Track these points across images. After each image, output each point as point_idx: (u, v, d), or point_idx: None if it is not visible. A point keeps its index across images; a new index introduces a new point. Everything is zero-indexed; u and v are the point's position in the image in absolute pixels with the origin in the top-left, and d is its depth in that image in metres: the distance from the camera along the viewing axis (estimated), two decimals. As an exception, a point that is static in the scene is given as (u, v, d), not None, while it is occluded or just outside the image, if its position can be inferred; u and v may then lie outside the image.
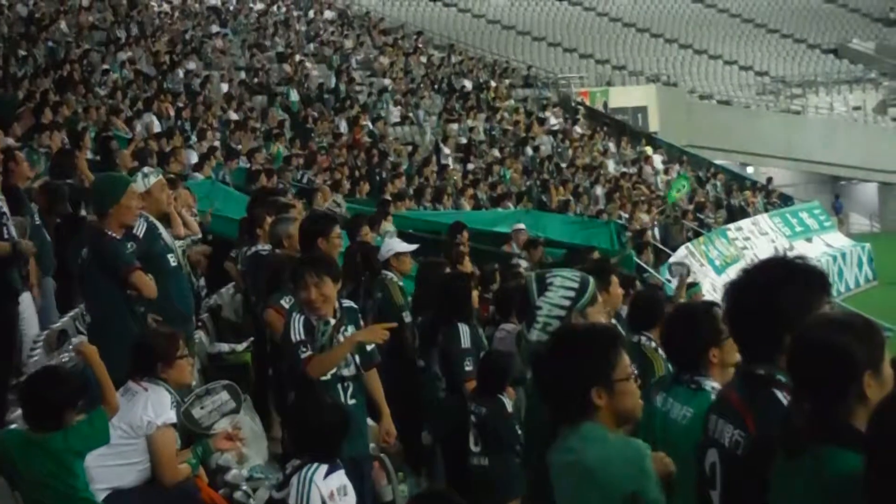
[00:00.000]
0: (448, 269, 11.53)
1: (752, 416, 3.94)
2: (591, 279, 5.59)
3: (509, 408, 8.55)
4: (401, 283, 10.76)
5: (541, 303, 5.42)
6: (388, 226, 15.07)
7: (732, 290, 4.14)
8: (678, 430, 4.98)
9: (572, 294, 5.38)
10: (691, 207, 33.65)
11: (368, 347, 8.02)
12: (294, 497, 5.85)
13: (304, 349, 7.49)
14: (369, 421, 8.16)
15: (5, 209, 9.29)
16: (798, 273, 4.06)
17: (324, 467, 5.92)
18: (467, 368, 9.16)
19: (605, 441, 4.34)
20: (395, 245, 11.36)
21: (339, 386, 7.63)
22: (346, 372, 7.73)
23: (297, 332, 7.53)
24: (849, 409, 3.52)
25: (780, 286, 3.97)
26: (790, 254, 4.58)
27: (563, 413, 4.43)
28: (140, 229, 8.74)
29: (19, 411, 7.73)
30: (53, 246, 11.08)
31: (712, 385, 5.11)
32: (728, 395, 4.19)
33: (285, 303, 8.81)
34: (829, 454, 3.46)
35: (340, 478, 6.02)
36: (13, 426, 7.11)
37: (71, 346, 6.97)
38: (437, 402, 9.60)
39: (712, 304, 5.77)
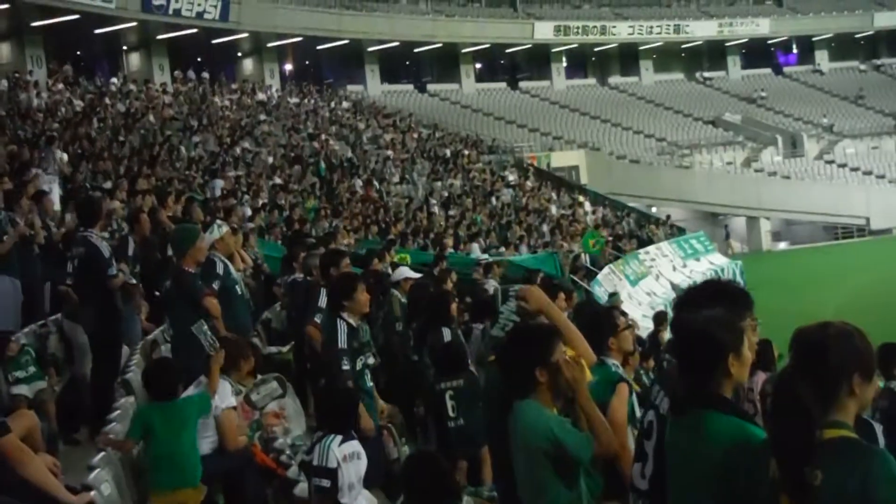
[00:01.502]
0: (433, 289, 11.52)
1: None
2: None
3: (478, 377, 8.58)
4: (402, 300, 10.77)
5: (503, 310, 5.47)
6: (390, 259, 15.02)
7: (680, 304, 4.12)
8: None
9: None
10: (611, 238, 33.71)
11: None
12: (316, 459, 5.80)
13: (346, 361, 7.32)
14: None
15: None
16: (728, 292, 4.01)
17: (339, 437, 5.84)
18: None
19: (535, 410, 4.39)
20: (405, 272, 11.37)
21: (366, 372, 7.62)
22: (370, 361, 7.73)
23: (342, 340, 7.36)
24: (718, 382, 3.54)
25: (715, 303, 3.92)
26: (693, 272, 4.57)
27: (516, 388, 4.48)
28: (220, 268, 8.80)
29: (123, 400, 7.74)
30: (146, 279, 11.09)
31: (612, 362, 5.27)
32: (672, 376, 4.17)
33: (318, 319, 8.83)
34: (705, 416, 3.47)
35: (353, 446, 5.91)
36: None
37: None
38: (427, 385, 9.59)
39: (612, 307, 5.88)
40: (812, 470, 2.97)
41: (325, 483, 5.72)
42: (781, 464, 3.06)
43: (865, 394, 3.13)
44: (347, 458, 5.81)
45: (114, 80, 39.11)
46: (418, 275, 11.59)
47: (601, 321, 5.52)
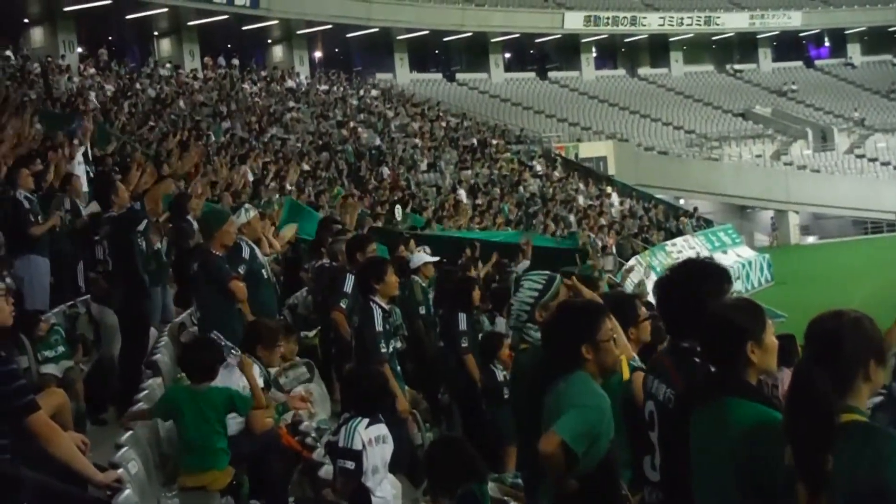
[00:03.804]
0: (461, 274, 11.54)
1: (679, 378, 3.95)
2: (558, 278, 5.53)
3: (499, 376, 8.57)
4: (423, 285, 10.82)
5: (514, 300, 5.41)
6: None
7: (661, 285, 4.16)
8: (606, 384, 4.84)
9: (536, 293, 5.33)
10: (635, 230, 33.66)
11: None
12: (342, 441, 5.78)
13: (384, 344, 7.47)
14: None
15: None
16: (708, 270, 4.10)
17: (366, 420, 5.82)
18: (463, 345, 9.19)
19: (587, 382, 4.33)
20: (423, 257, 11.39)
21: (396, 356, 7.71)
22: (398, 345, 7.76)
23: (378, 323, 7.49)
24: (741, 369, 3.54)
25: (697, 281, 4.01)
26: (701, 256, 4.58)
27: (562, 365, 4.38)
28: (247, 252, 8.82)
29: (151, 381, 7.79)
30: (176, 262, 11.13)
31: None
32: (662, 362, 4.17)
33: (343, 304, 8.88)
34: (729, 403, 3.48)
35: (380, 429, 5.89)
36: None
37: (236, 356, 6.96)
38: (451, 371, 9.63)
39: (634, 296, 5.75)
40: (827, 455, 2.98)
41: (350, 465, 5.71)
42: (797, 451, 3.06)
43: (879, 379, 3.16)
44: (373, 441, 5.79)
45: (165, 68, 39.24)
46: (436, 258, 11.61)
47: (619, 309, 5.37)
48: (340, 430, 5.87)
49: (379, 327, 7.48)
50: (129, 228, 9.10)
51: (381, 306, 7.58)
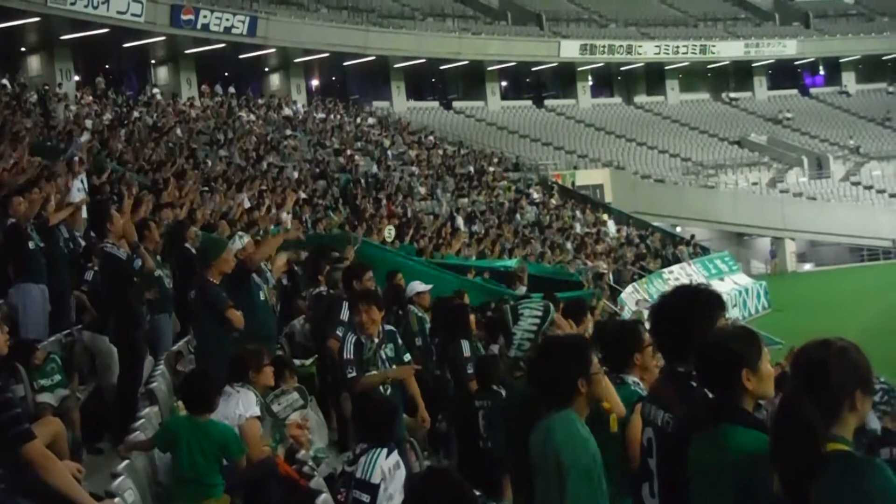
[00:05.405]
0: (455, 301, 11.52)
1: (677, 403, 3.96)
2: (551, 305, 5.59)
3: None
4: (419, 314, 10.81)
5: (515, 329, 5.42)
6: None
7: (655, 311, 4.18)
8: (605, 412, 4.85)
9: (538, 320, 5.38)
10: (632, 258, 33.67)
11: (406, 358, 8.10)
12: (360, 472, 5.86)
13: (351, 370, 7.61)
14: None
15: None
16: (701, 295, 4.12)
17: (385, 450, 5.94)
18: (469, 371, 9.19)
19: (572, 426, 4.34)
20: (416, 286, 11.40)
21: (381, 386, 7.71)
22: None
23: (349, 351, 7.64)
24: (737, 396, 3.55)
25: (690, 306, 4.02)
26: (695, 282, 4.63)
27: (554, 399, 4.42)
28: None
29: (147, 409, 7.76)
30: (173, 291, 11.11)
31: (633, 379, 5.09)
32: (659, 388, 4.20)
33: (340, 332, 8.87)
34: (726, 430, 3.49)
35: (395, 456, 6.02)
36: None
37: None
38: (449, 399, 9.61)
39: (638, 321, 5.77)
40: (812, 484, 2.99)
41: (365, 498, 5.77)
42: (783, 479, 3.08)
43: (865, 408, 3.16)
44: (392, 469, 5.93)
45: (158, 94, 39.44)
46: (429, 286, 11.62)
47: (627, 335, 5.31)
48: (359, 460, 5.92)
49: (348, 355, 7.67)
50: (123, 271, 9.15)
51: (356, 337, 7.74)
